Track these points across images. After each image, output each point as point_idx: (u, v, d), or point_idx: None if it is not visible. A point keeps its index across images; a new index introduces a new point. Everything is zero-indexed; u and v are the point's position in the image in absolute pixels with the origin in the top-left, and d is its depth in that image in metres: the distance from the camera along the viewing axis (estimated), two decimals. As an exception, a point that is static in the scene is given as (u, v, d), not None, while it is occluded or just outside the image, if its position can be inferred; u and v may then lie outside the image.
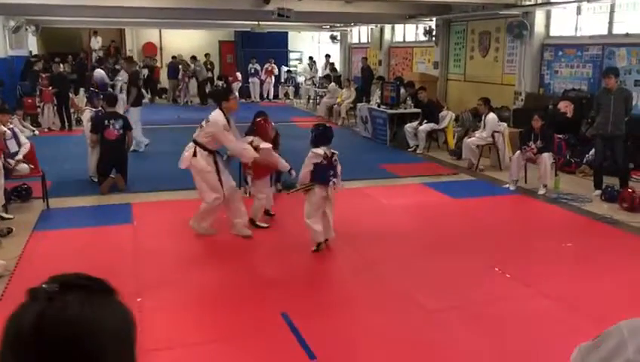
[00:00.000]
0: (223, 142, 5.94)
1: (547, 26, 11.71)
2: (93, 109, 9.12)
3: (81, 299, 0.87)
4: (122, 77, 15.22)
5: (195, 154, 5.94)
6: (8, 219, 6.57)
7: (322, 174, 5.47)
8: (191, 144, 6.03)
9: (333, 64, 20.51)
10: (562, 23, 11.45)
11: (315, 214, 5.54)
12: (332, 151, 5.57)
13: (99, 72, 15.54)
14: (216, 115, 5.97)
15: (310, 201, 5.55)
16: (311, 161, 5.48)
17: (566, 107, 10.22)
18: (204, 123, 6.04)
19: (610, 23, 10.29)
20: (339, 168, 5.61)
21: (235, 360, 3.76)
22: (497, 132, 9.57)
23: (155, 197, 7.75)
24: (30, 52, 17.78)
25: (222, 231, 6.35)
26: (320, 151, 5.48)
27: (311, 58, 21.82)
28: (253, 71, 20.95)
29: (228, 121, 5.99)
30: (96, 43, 21.27)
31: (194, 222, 6.18)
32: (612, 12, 10.26)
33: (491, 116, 9.65)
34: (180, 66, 20.10)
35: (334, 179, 5.54)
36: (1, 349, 0.86)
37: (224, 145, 6.03)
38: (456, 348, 3.90)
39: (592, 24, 10.73)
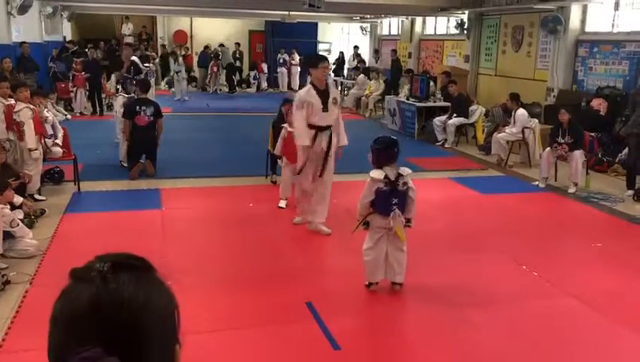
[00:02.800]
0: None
1: (583, 21, 11.46)
2: (126, 95, 9.24)
3: (134, 279, 0.88)
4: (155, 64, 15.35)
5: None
6: (41, 200, 6.73)
7: (383, 203, 4.35)
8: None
9: (360, 55, 20.33)
10: (599, 19, 11.19)
11: (374, 248, 4.48)
12: (399, 171, 4.36)
13: (133, 59, 15.75)
14: (301, 90, 5.99)
15: (369, 233, 4.54)
16: (371, 189, 4.37)
17: (599, 105, 10.01)
18: None
19: (649, 19, 10.02)
20: (410, 194, 4.41)
21: (259, 348, 3.79)
22: (528, 128, 9.43)
23: (184, 183, 7.84)
24: (64, 37, 18.08)
25: (249, 219, 6.40)
26: (379, 174, 4.34)
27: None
28: (282, 61, 20.99)
29: (322, 94, 5.71)
30: (128, 29, 21.50)
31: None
32: (651, 8, 9.99)
33: (521, 112, 9.50)
34: (212, 55, 20.27)
35: (398, 210, 4.35)
36: (53, 328, 0.87)
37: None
38: (482, 345, 3.87)
39: (630, 20, 10.47)
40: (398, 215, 4.34)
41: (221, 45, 20.88)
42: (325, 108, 5.71)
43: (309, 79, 6.44)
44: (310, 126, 5.68)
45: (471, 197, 7.69)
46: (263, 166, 8.02)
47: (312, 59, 6.03)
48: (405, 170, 4.39)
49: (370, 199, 4.38)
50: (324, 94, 5.73)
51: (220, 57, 20.08)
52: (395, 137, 4.73)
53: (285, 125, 6.76)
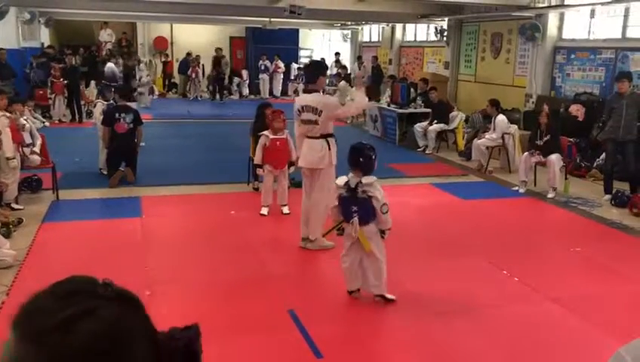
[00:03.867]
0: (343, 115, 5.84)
1: (560, 28, 11.64)
2: (105, 102, 9.16)
3: (130, 311, 0.84)
4: (144, 70, 15.31)
5: (330, 148, 5.46)
6: (18, 209, 6.62)
7: (344, 209, 4.34)
8: (318, 141, 5.44)
9: (340, 61, 20.36)
10: (575, 26, 11.38)
11: (348, 255, 4.44)
12: (361, 179, 4.24)
13: (109, 66, 15.65)
14: (326, 95, 5.78)
15: (344, 240, 4.49)
16: (336, 195, 4.41)
17: (577, 110, 10.16)
18: (309, 113, 5.45)
19: (624, 26, 10.21)
20: (374, 205, 4.22)
21: (242, 357, 3.76)
22: (507, 134, 9.53)
23: (165, 191, 7.78)
24: (42, 43, 17.86)
25: (231, 226, 6.37)
26: (341, 180, 4.36)
27: (359, 58, 21.06)
28: (263, 67, 20.98)
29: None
30: (107, 36, 21.32)
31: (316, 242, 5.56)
32: (626, 16, 10.19)
33: (501, 118, 9.61)
34: (189, 61, 20.16)
35: (356, 217, 4.24)
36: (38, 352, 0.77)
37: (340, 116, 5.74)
38: (462, 351, 3.89)
39: (605, 27, 10.66)
40: (357, 223, 4.23)
41: (219, 49, 20.78)
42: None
43: (300, 87, 6.46)
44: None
45: (451, 202, 7.74)
46: (244, 173, 7.99)
47: (323, 66, 6.04)
48: (368, 179, 4.24)
49: (335, 204, 4.41)
50: None
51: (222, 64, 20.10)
52: (368, 144, 4.57)
53: (266, 132, 6.72)
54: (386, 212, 4.27)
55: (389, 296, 4.44)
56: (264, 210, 6.74)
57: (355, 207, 4.25)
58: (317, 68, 5.73)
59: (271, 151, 6.61)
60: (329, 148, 5.46)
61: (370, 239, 4.30)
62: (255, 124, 7.70)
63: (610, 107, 7.78)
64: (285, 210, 6.76)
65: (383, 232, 4.36)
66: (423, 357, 3.83)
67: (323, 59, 21.77)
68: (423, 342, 3.99)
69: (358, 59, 20.44)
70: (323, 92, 5.72)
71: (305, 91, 5.67)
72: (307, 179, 5.66)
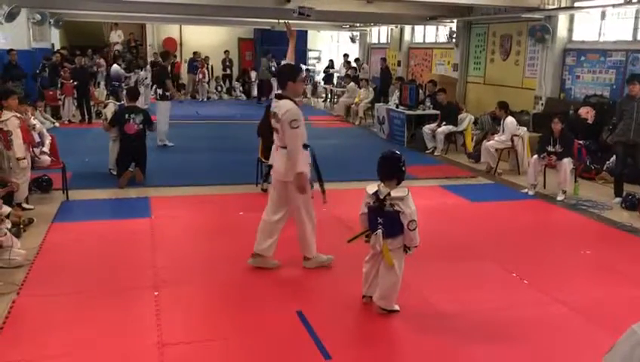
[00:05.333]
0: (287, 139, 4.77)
1: (570, 30, 11.60)
2: (117, 103, 9.23)
3: None
4: (146, 71, 15.35)
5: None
6: (29, 209, 6.67)
7: (371, 219, 4.20)
8: (284, 152, 4.87)
9: (350, 63, 20.36)
10: (585, 28, 11.32)
11: (369, 261, 4.39)
12: (390, 190, 4.09)
13: (114, 68, 15.74)
14: (287, 104, 4.80)
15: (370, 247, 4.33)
16: (364, 202, 4.25)
17: (587, 113, 10.12)
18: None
19: (635, 28, 10.16)
20: (402, 220, 4.06)
21: (250, 358, 3.76)
22: (517, 136, 9.49)
23: (174, 191, 7.80)
24: (53, 45, 17.99)
25: (240, 227, 6.38)
26: (370, 189, 4.18)
27: (357, 60, 20.79)
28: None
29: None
30: (117, 37, 21.45)
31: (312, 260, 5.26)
32: (637, 18, 10.13)
33: (510, 120, 9.58)
34: (197, 63, 20.21)
35: (380, 230, 4.11)
36: None
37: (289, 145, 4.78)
38: (471, 353, 3.88)
39: (616, 29, 10.60)
40: (381, 236, 4.09)
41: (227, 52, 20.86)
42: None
43: (309, 88, 5.98)
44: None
45: (460, 205, 7.71)
46: (253, 174, 8.01)
47: (293, 71, 5.00)
48: (398, 192, 4.07)
49: (363, 212, 4.24)
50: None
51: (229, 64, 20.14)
52: (398, 153, 4.36)
53: None
54: (414, 229, 4.07)
55: (395, 308, 4.33)
56: None
57: (381, 219, 4.10)
58: (285, 73, 4.97)
59: None
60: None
61: (392, 252, 4.15)
62: (261, 124, 7.71)
63: (621, 109, 7.73)
64: None
65: (407, 248, 4.20)
66: (430, 360, 3.81)
67: (331, 60, 21.89)
68: (431, 345, 3.97)
69: (357, 61, 20.34)
70: (296, 101, 4.94)
71: (276, 96, 5.03)
72: (275, 191, 5.15)
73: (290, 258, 5.60)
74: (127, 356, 3.69)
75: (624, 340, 1.95)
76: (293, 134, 4.74)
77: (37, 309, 4.30)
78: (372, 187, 4.18)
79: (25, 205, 6.70)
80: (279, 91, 4.99)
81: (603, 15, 10.76)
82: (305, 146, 4.89)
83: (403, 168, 4.20)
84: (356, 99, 15.90)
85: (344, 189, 7.22)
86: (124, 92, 9.31)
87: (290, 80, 4.87)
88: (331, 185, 6.99)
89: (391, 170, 4.17)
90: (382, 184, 4.15)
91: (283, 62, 5.44)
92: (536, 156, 8.19)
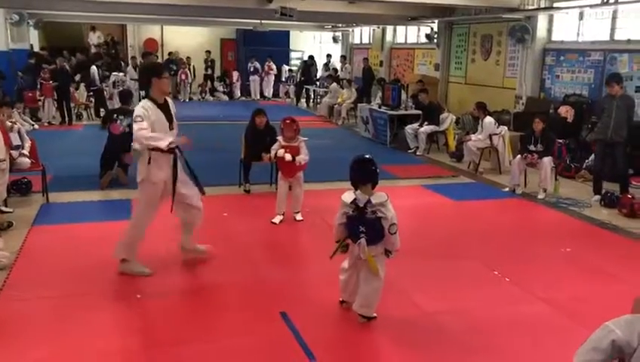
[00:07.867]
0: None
1: (549, 30, 11.74)
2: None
3: None
4: (129, 73, 15.15)
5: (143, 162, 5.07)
6: (8, 212, 6.57)
7: (350, 229, 4.05)
8: None
9: (328, 65, 20.34)
10: (564, 28, 11.47)
11: (347, 270, 4.25)
12: (370, 198, 3.97)
13: (92, 69, 15.56)
14: (140, 104, 4.87)
15: (348, 254, 4.21)
16: (341, 212, 4.09)
17: (566, 112, 10.24)
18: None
19: (613, 29, 10.32)
20: (384, 224, 3.96)
21: (234, 358, 3.75)
22: (496, 135, 9.58)
23: (155, 193, 7.72)
24: (31, 46, 17.75)
25: (223, 228, 6.35)
26: (348, 198, 4.03)
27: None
28: (252, 69, 20.97)
29: (163, 109, 4.90)
30: (96, 38, 21.22)
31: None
32: (614, 18, 10.29)
33: (488, 120, 9.68)
34: (173, 64, 19.95)
35: (363, 239, 3.99)
36: None
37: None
38: (453, 351, 3.90)
39: (594, 30, 10.76)
40: (365, 245, 3.96)
41: (209, 53, 20.85)
42: (171, 126, 5.07)
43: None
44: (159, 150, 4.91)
45: (442, 204, 7.76)
46: (236, 175, 7.98)
47: (156, 68, 5.03)
48: (378, 197, 3.96)
49: (341, 222, 4.09)
50: (165, 109, 4.98)
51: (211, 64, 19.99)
52: (368, 155, 4.20)
53: (279, 138, 6.61)
54: (395, 232, 3.99)
55: (374, 315, 4.25)
56: (276, 219, 6.52)
57: (363, 227, 3.97)
58: (145, 72, 4.94)
59: (281, 158, 6.54)
60: (147, 162, 5.00)
61: (374, 258, 4.06)
62: (247, 130, 7.84)
63: (601, 108, 7.83)
64: (298, 216, 6.59)
65: (389, 252, 4.11)
66: (413, 358, 3.83)
67: (311, 55, 21.75)
68: (415, 344, 3.99)
69: (327, 57, 20.20)
70: (166, 100, 5.01)
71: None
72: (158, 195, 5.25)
73: (274, 259, 5.60)
74: (111, 359, 3.65)
75: (597, 333, 2.29)
76: (137, 134, 4.81)
77: (18, 313, 4.24)
78: (348, 195, 4.03)
79: (3, 208, 6.61)
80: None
81: (581, 15, 10.91)
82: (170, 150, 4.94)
83: (377, 171, 4.08)
84: (339, 100, 15.93)
85: (325, 190, 7.24)
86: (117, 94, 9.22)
87: (155, 76, 4.84)
88: (312, 186, 7.02)
89: (366, 175, 4.03)
90: (358, 191, 4.01)
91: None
92: (519, 156, 8.27)
